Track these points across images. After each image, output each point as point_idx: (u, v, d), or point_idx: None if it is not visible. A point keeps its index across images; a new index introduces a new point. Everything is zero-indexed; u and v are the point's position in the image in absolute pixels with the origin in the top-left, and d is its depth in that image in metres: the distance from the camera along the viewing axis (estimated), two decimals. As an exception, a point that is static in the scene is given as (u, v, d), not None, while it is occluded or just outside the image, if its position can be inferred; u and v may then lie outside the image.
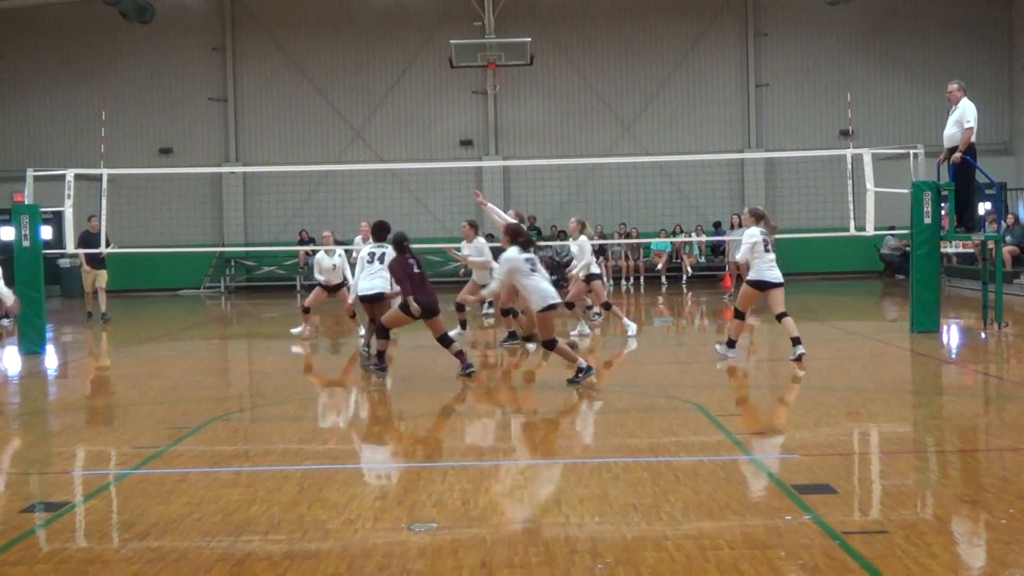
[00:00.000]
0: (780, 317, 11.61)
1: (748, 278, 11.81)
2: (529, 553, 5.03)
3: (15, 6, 27.86)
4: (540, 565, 4.86)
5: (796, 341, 11.46)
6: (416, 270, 10.88)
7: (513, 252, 10.11)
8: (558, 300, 10.27)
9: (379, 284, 11.94)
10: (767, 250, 11.55)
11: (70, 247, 15.41)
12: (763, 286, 11.57)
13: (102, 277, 19.25)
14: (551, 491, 6.16)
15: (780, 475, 6.31)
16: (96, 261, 18.87)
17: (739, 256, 11.95)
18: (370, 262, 12.08)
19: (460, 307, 14.43)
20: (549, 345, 10.12)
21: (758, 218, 11.80)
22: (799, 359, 11.29)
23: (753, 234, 11.60)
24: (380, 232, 12.19)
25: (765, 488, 6.06)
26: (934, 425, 8.15)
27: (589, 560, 4.90)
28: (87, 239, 17.88)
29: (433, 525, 5.51)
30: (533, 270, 10.16)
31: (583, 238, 14.22)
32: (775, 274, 11.63)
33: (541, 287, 10.09)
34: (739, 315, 11.86)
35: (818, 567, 4.73)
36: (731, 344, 11.86)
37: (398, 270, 10.87)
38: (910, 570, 4.66)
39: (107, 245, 17.34)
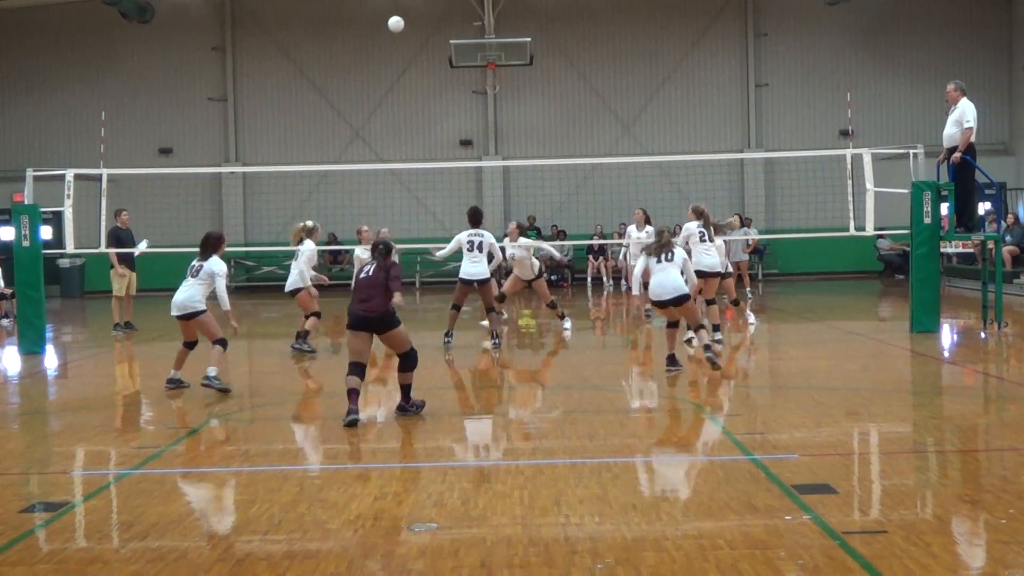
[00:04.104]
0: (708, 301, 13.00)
1: (696, 268, 12.57)
2: (529, 553, 5.03)
3: (15, 6, 27.83)
4: (540, 565, 4.86)
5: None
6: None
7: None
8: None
9: (483, 270, 13.12)
10: (701, 240, 12.86)
11: (70, 247, 15.35)
12: (700, 274, 12.65)
13: (134, 280, 16.87)
14: (551, 491, 6.16)
15: (780, 475, 6.30)
16: (131, 261, 16.63)
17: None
18: (470, 250, 13.09)
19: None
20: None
21: (698, 215, 13.03)
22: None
23: (691, 228, 12.92)
24: (476, 218, 13.35)
25: (765, 488, 6.06)
26: (934, 425, 8.15)
27: (589, 560, 4.90)
28: (119, 236, 16.45)
29: (433, 525, 5.50)
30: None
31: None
32: (711, 261, 12.89)
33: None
34: (711, 302, 13.02)
35: (818, 567, 4.73)
36: (716, 328, 12.77)
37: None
38: (910, 570, 4.66)
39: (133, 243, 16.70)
